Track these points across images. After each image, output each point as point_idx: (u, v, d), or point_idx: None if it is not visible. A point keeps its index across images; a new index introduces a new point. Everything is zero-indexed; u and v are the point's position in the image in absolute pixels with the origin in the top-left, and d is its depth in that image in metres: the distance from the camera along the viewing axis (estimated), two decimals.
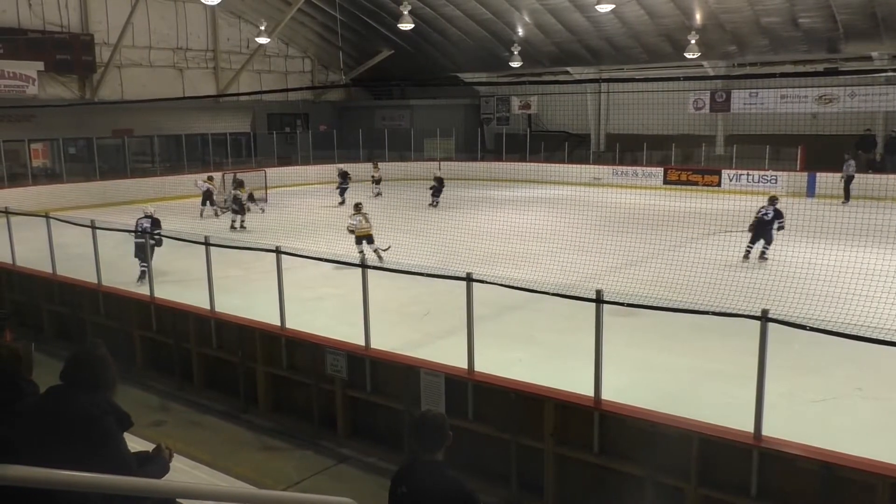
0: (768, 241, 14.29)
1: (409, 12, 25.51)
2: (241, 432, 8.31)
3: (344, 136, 33.88)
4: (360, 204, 15.44)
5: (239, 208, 19.88)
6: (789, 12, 25.24)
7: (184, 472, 5.40)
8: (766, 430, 5.61)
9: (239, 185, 20.97)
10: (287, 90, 30.10)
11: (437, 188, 24.00)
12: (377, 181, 26.90)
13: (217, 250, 9.53)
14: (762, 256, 14.29)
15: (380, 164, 28.44)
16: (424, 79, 34.37)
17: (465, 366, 7.02)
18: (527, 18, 29.74)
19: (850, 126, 26.58)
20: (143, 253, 12.03)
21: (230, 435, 8.24)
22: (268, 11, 30.55)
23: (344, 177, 25.10)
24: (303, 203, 22.62)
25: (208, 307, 9.22)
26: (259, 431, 8.31)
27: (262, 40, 29.95)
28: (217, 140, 30.88)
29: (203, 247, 9.27)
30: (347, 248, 12.09)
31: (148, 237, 11.84)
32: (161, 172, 28.24)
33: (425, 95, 35.64)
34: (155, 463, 3.66)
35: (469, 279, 6.92)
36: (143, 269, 12.16)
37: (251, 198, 24.69)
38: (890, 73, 24.90)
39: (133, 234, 12.65)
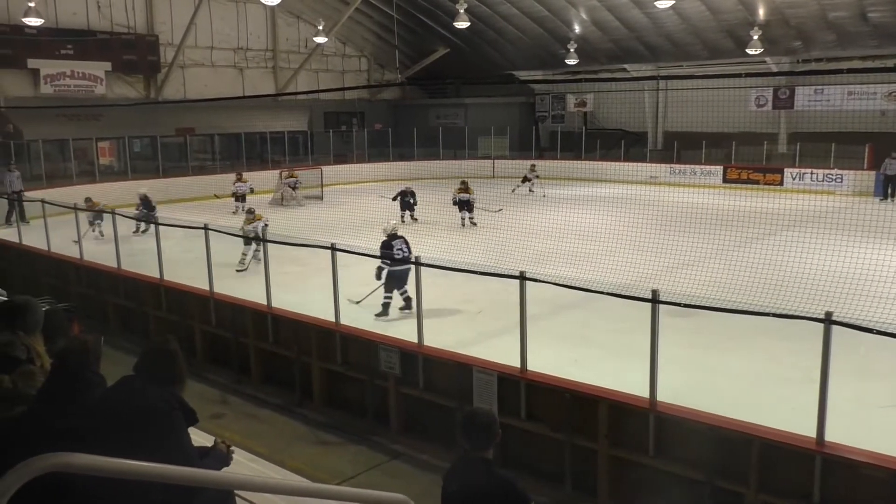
0: None
1: (466, 10, 25.48)
2: (297, 426, 8.44)
3: (399, 135, 34.10)
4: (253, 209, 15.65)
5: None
6: (858, 6, 24.40)
7: (241, 464, 5.51)
8: (830, 436, 5.45)
9: (463, 186, 19.74)
10: (344, 89, 30.41)
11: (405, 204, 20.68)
12: (527, 180, 26.61)
13: (274, 247, 9.69)
14: None
15: (536, 167, 27.49)
16: (480, 77, 34.33)
17: (518, 365, 7.00)
18: (584, 15, 29.44)
19: None
20: (398, 283, 10.50)
21: (286, 429, 8.38)
22: (325, 11, 30.94)
23: (146, 203, 18.84)
24: (358, 201, 22.82)
25: (265, 303, 9.38)
26: (314, 426, 8.42)
27: (320, 40, 30.33)
28: (275, 138, 31.43)
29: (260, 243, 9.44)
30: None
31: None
32: (221, 170, 28.85)
33: (480, 94, 35.61)
34: (214, 457, 3.75)
35: (522, 277, 6.89)
36: (387, 300, 10.58)
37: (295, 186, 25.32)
38: None
39: (379, 259, 10.42)
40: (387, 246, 10.71)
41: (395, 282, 10.51)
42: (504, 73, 34.42)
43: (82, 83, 25.90)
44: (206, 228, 9.98)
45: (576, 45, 30.98)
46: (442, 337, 8.23)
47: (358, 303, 10.49)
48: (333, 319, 8.59)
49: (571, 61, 31.33)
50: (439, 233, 15.24)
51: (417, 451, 7.63)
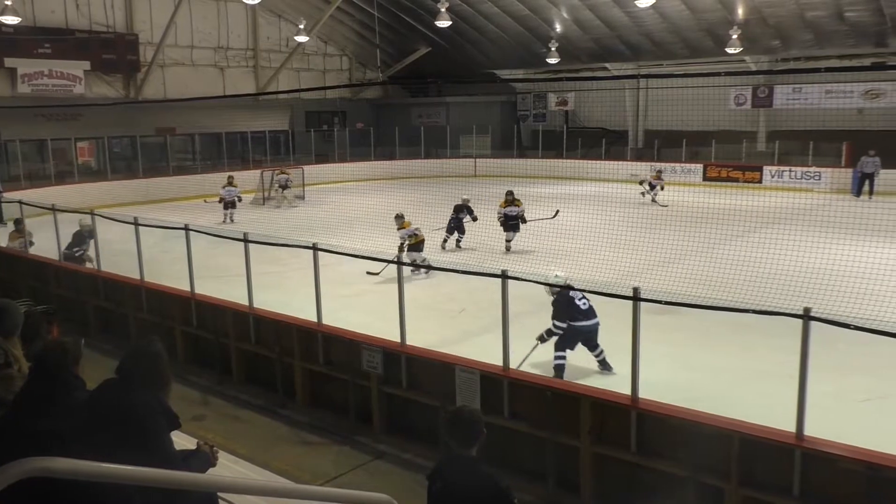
0: None
1: (447, 9, 25.52)
2: (279, 427, 8.40)
3: (381, 134, 34.09)
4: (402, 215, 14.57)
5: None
6: (835, 6, 24.69)
7: (224, 466, 5.50)
8: (810, 431, 5.51)
9: (510, 198, 16.66)
10: (325, 88, 30.38)
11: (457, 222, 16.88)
12: (650, 184, 24.17)
13: (255, 247, 9.65)
14: None
15: (662, 174, 25.13)
16: (461, 76, 34.39)
17: (500, 363, 7.01)
18: (565, 14, 29.55)
19: None
20: (586, 341, 8.59)
21: (268, 430, 8.34)
22: (307, 10, 30.83)
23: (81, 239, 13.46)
24: (340, 200, 22.79)
25: (247, 303, 9.34)
26: (297, 426, 8.39)
27: (301, 39, 30.25)
28: (256, 138, 31.31)
29: (242, 243, 9.39)
30: (383, 246, 12.14)
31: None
32: (202, 170, 28.70)
33: (462, 93, 35.68)
34: (198, 459, 3.72)
35: (504, 276, 6.90)
36: (560, 361, 8.56)
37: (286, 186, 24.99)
38: None
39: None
40: (566, 299, 8.51)
41: (575, 340, 8.67)
42: (486, 72, 34.49)
43: (61, 82, 25.63)
44: (186, 229, 9.91)
45: (557, 44, 31.11)
46: (425, 336, 8.23)
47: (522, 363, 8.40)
48: (315, 319, 8.56)
49: (553, 60, 31.45)
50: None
51: (401, 451, 7.63)
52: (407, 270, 12.76)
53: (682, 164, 29.55)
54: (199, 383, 9.71)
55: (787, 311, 5.63)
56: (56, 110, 24.71)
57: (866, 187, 24.36)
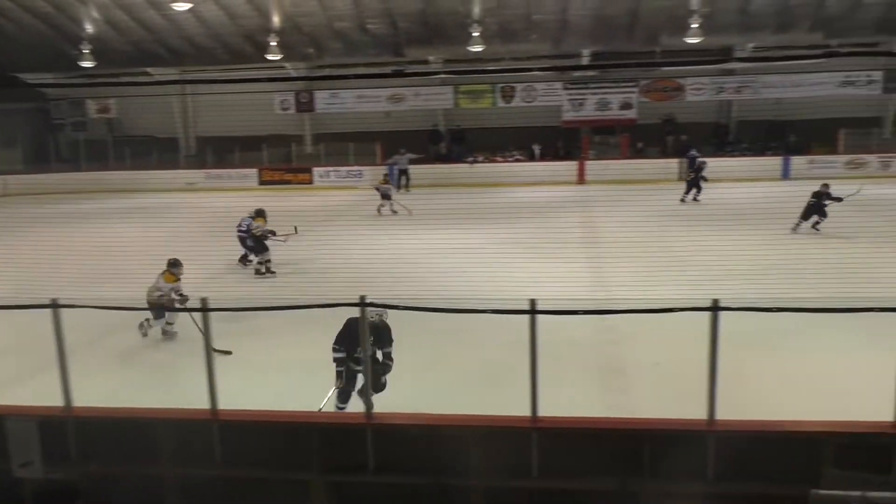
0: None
1: None
2: None
3: None
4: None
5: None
6: (358, 18, 27.30)
7: None
8: (379, 408, 6.08)
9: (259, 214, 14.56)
10: None
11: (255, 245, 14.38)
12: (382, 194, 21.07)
13: None
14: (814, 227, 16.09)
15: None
16: None
17: (62, 403, 6.33)
18: (95, 14, 27.45)
19: (419, 122, 29.95)
20: None
21: None
22: None
23: None
24: None
25: None
26: None
27: None
28: None
29: None
30: None
31: None
32: None
33: None
34: None
35: (55, 305, 6.23)
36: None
37: None
38: (443, 76, 28.50)
39: None
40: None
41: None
42: (5, 75, 30.32)
43: None
44: None
45: (91, 47, 28.74)
46: None
47: None
48: None
49: (88, 63, 28.96)
50: None
51: None
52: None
53: (238, 170, 29.92)
54: None
55: (346, 302, 6.13)
56: None
57: (404, 181, 27.57)
